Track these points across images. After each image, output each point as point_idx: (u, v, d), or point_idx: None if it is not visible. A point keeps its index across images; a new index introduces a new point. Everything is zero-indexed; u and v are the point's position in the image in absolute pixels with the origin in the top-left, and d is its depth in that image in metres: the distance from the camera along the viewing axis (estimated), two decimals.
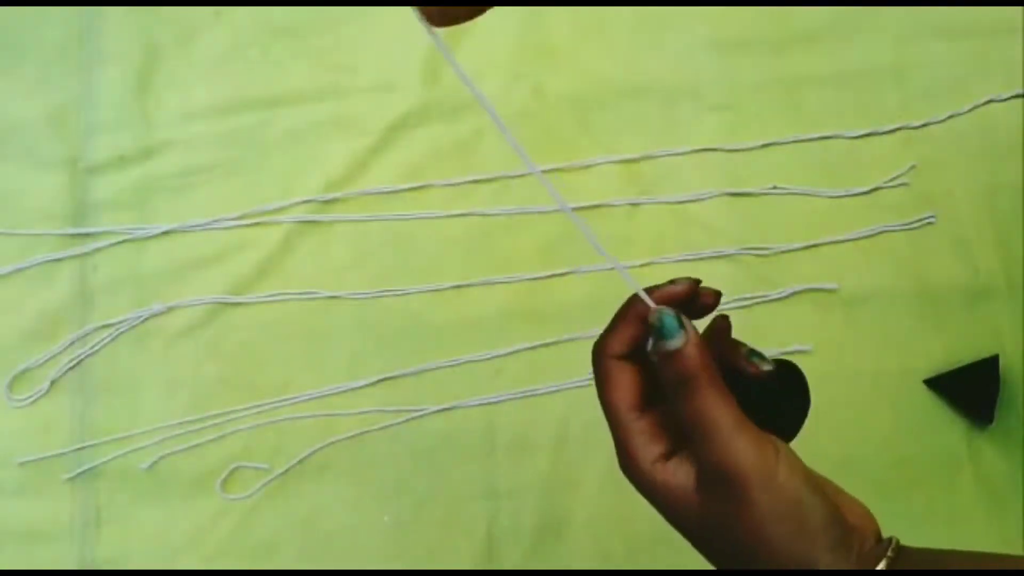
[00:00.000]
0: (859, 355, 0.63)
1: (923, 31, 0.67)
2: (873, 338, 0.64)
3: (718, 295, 0.32)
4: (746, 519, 0.28)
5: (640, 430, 0.30)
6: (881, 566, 0.28)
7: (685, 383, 0.29)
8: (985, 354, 0.62)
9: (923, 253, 0.65)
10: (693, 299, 0.32)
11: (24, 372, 0.63)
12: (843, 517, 0.29)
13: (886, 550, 0.29)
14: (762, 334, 0.64)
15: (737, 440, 0.28)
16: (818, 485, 0.29)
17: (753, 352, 0.32)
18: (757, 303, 0.64)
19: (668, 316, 0.30)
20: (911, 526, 0.61)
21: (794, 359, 0.63)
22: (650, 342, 0.30)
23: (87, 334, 0.63)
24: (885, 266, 0.64)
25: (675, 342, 0.29)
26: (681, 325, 0.29)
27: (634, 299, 0.31)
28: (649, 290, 0.31)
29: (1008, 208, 0.65)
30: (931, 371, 0.63)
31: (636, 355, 0.31)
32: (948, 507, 0.61)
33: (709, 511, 0.29)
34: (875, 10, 0.67)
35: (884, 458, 0.62)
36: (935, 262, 0.64)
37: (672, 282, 0.31)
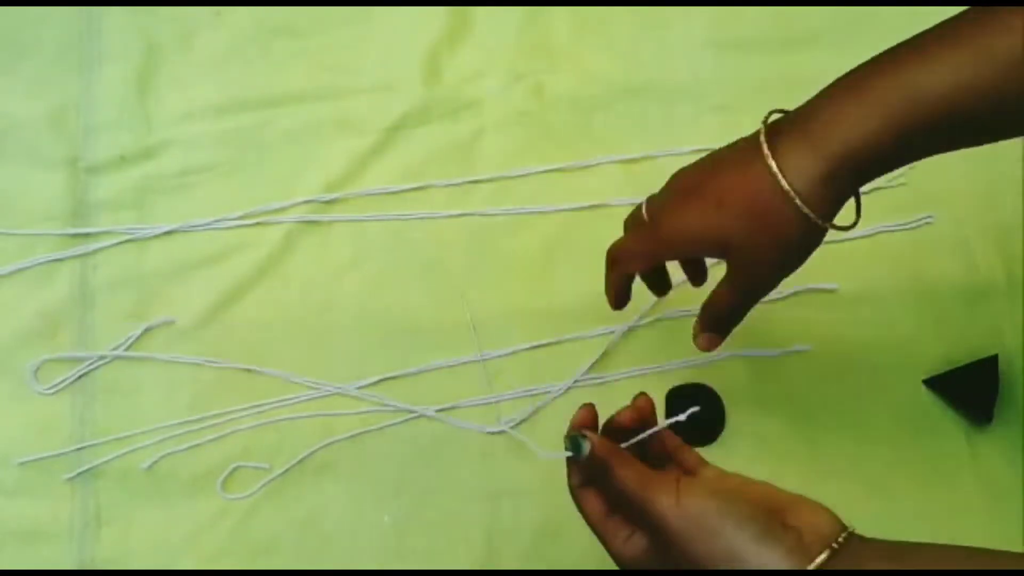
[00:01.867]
0: (859, 355, 0.63)
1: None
2: (873, 338, 0.64)
3: (636, 405, 0.42)
4: (678, 547, 0.35)
5: (610, 528, 0.39)
6: (821, 558, 0.33)
7: (602, 472, 0.39)
8: (984, 354, 0.62)
9: (923, 253, 0.65)
10: (618, 417, 0.42)
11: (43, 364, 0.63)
12: (768, 513, 0.35)
13: (829, 543, 0.34)
14: (762, 334, 0.64)
15: (644, 491, 0.37)
16: (732, 491, 0.36)
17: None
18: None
19: (572, 437, 0.40)
20: (911, 526, 0.61)
21: (794, 359, 0.64)
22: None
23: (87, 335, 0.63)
24: (885, 266, 0.64)
25: (585, 450, 0.39)
26: (584, 436, 0.40)
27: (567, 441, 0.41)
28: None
29: (1008, 208, 0.65)
30: (931, 371, 0.63)
31: (590, 481, 0.41)
32: (948, 507, 0.61)
33: (661, 559, 0.37)
34: (875, 10, 0.67)
35: (884, 458, 0.62)
36: (935, 262, 0.64)
37: (576, 412, 0.42)
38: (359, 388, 0.63)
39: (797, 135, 0.40)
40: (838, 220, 0.42)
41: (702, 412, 0.41)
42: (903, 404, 0.63)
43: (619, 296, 0.50)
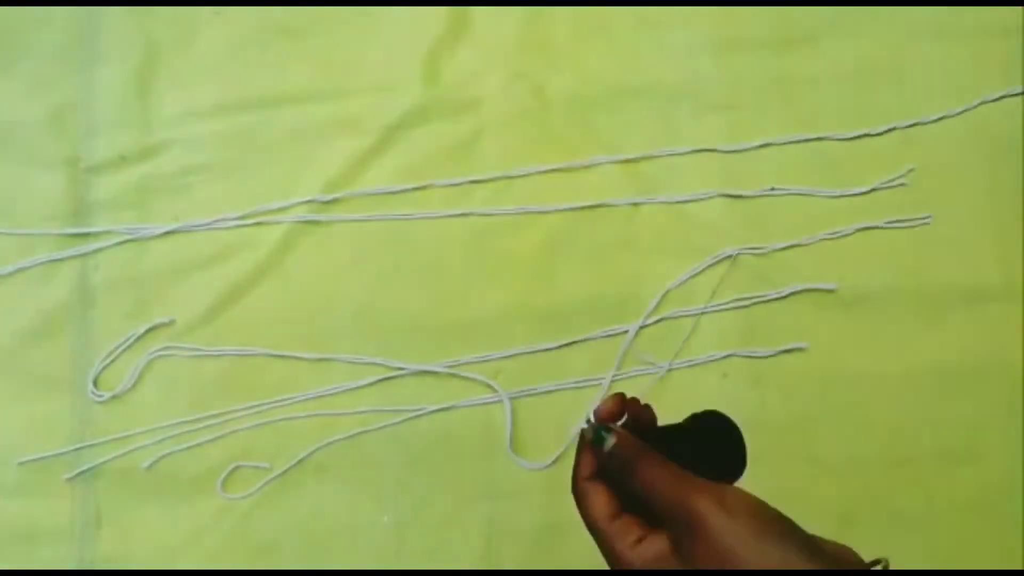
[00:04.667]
0: (858, 355, 0.63)
1: (922, 31, 0.67)
2: (871, 338, 0.64)
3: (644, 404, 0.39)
4: (719, 551, 0.32)
5: (617, 529, 0.36)
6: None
7: (627, 466, 0.36)
8: (984, 354, 0.62)
9: (921, 253, 0.65)
10: (632, 407, 0.39)
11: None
12: (806, 532, 0.33)
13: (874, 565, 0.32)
14: (761, 334, 0.64)
15: (683, 487, 0.34)
16: (774, 515, 0.33)
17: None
18: (756, 303, 0.64)
19: (596, 428, 0.37)
20: (911, 526, 0.61)
21: (792, 358, 0.64)
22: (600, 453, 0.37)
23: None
24: (883, 266, 0.64)
25: (608, 443, 0.36)
26: (609, 430, 0.37)
27: (583, 431, 0.38)
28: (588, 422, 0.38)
29: (1007, 208, 0.65)
30: (930, 371, 0.63)
31: (603, 476, 0.37)
32: (948, 507, 0.61)
33: (683, 563, 0.33)
34: (875, 10, 0.67)
35: (884, 458, 0.62)
36: (934, 262, 0.64)
37: (602, 403, 0.39)
38: (359, 388, 0.63)
39: None
40: None
41: (710, 441, 0.37)
42: (902, 404, 0.63)
43: None
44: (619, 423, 0.38)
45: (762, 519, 0.33)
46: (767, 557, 0.31)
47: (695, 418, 0.39)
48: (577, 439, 0.39)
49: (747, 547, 0.32)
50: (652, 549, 0.34)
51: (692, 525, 0.33)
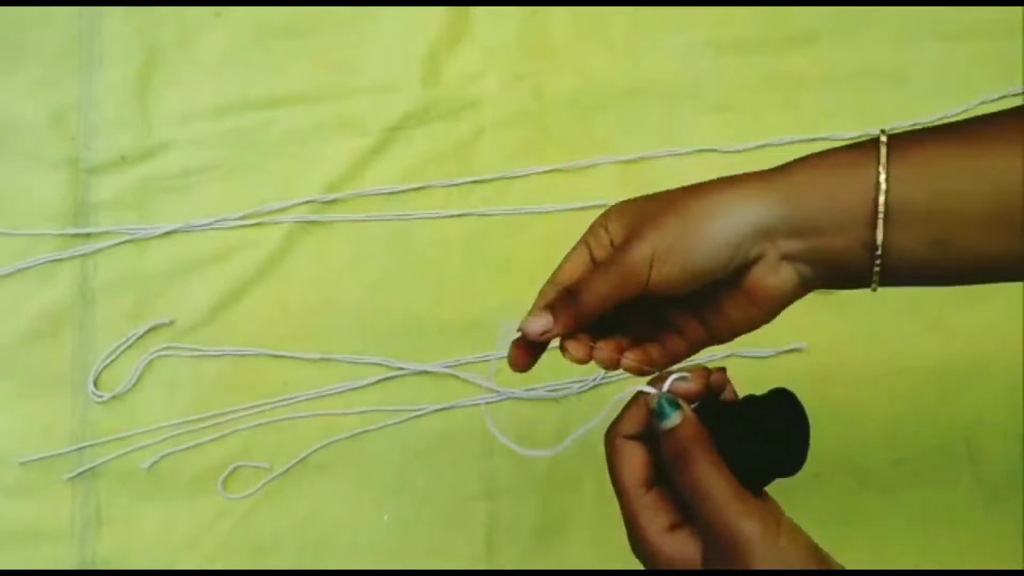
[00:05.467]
0: (857, 354, 0.63)
1: (922, 32, 0.67)
2: (871, 337, 0.64)
3: (720, 373, 0.35)
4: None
5: (646, 504, 0.32)
6: None
7: (680, 456, 0.32)
8: (984, 354, 0.62)
9: None
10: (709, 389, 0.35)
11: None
12: None
13: None
14: (760, 333, 0.63)
15: (735, 506, 0.30)
16: (823, 557, 0.31)
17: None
18: None
19: (664, 399, 0.33)
20: (911, 526, 0.61)
21: (792, 358, 0.64)
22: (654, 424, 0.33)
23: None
24: None
25: (670, 421, 0.32)
26: (676, 407, 0.33)
27: (645, 395, 0.34)
28: (658, 379, 0.34)
29: None
30: (930, 371, 0.63)
31: (646, 439, 0.34)
32: (948, 507, 0.61)
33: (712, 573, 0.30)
34: (875, 10, 0.67)
35: (883, 458, 0.62)
36: None
37: (683, 378, 0.35)
38: (359, 388, 0.63)
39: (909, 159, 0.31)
40: None
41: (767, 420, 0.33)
42: (902, 403, 0.63)
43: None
44: (692, 405, 0.34)
45: (809, 560, 0.30)
46: None
47: (771, 396, 0.35)
48: (620, 404, 0.35)
49: None
50: (681, 549, 0.32)
51: (733, 550, 0.30)
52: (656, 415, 0.33)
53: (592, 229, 0.36)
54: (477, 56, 0.67)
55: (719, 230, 0.32)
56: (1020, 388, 0.62)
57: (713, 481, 0.31)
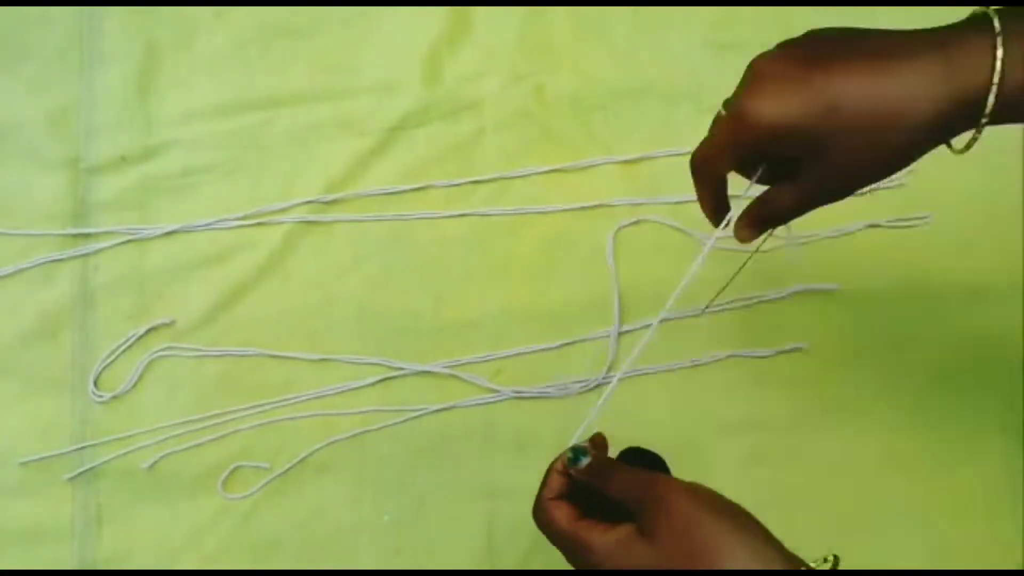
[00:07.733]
0: (858, 355, 0.63)
1: None
2: (872, 338, 0.64)
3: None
4: (677, 528, 0.35)
5: (582, 525, 0.39)
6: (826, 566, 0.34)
7: (600, 474, 0.40)
8: (984, 354, 0.62)
9: (922, 253, 0.65)
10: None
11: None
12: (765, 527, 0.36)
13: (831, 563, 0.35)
14: (761, 333, 0.64)
15: (654, 478, 0.38)
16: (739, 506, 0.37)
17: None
18: (757, 303, 0.64)
19: (574, 449, 0.42)
20: (911, 526, 0.61)
21: (792, 358, 0.64)
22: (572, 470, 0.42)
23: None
24: (883, 266, 0.64)
25: (585, 461, 0.41)
26: (585, 451, 0.42)
27: (560, 456, 0.43)
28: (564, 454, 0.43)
29: (1006, 208, 0.65)
30: (930, 371, 0.63)
31: (567, 497, 0.42)
32: (948, 507, 0.61)
33: (644, 545, 0.36)
34: (874, 10, 0.67)
35: (884, 458, 0.62)
36: (934, 262, 0.64)
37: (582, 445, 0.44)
38: (359, 388, 0.63)
39: None
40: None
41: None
42: (902, 404, 0.63)
43: (716, 207, 0.45)
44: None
45: (723, 502, 0.36)
46: (727, 536, 0.34)
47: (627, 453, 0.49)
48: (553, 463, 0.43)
49: (707, 522, 0.34)
50: (617, 532, 0.37)
51: (658, 503, 0.36)
52: (571, 462, 0.41)
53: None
54: (478, 56, 0.68)
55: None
56: (1020, 388, 0.62)
57: (630, 474, 0.39)
